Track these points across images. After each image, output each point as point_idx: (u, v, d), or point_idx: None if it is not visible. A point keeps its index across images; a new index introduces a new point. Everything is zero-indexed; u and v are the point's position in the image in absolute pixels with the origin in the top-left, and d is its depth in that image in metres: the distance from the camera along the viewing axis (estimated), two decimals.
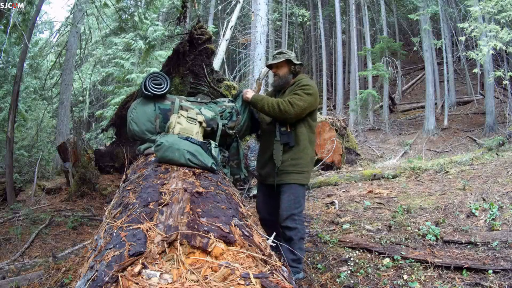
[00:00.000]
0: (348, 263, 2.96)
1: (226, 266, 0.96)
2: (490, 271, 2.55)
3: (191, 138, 2.13)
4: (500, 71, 9.43)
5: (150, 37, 11.35)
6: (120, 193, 1.82)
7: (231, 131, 2.61)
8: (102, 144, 11.50)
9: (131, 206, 1.44)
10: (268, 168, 2.66)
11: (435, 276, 2.62)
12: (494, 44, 8.82)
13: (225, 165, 2.60)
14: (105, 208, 1.71)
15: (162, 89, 2.44)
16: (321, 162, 7.63)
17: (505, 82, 9.65)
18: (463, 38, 10.06)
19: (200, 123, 2.38)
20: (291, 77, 2.69)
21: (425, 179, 5.93)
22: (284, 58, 2.62)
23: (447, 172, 6.08)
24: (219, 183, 1.86)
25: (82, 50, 9.69)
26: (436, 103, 14.14)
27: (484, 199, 4.21)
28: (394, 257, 2.95)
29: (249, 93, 2.66)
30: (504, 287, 2.37)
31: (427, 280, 2.57)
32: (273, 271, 1.03)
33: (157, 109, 2.45)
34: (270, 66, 2.71)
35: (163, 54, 11.79)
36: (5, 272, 2.94)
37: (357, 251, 3.21)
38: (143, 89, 2.42)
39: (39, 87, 13.22)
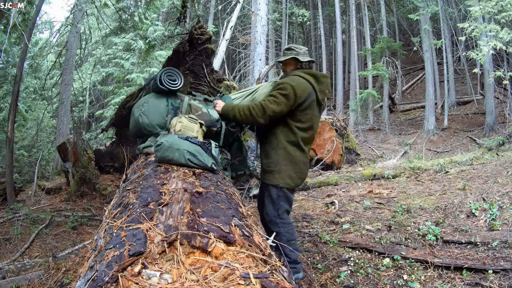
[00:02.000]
0: (348, 263, 2.96)
1: (226, 266, 0.96)
2: (490, 271, 2.55)
3: (191, 138, 2.13)
4: (500, 71, 9.42)
5: (150, 37, 11.35)
6: (120, 193, 1.82)
7: (233, 129, 2.62)
8: (102, 144, 11.51)
9: (131, 206, 1.44)
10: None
11: (435, 276, 2.62)
12: (494, 44, 8.82)
13: (226, 168, 2.60)
14: (105, 208, 1.71)
15: (177, 85, 2.49)
16: (321, 162, 7.63)
17: (505, 82, 9.64)
18: (463, 38, 10.05)
19: (201, 124, 2.38)
20: None
21: (425, 179, 5.93)
22: (291, 56, 2.55)
23: (447, 172, 6.08)
24: (219, 183, 1.86)
25: (82, 50, 9.69)
26: (436, 103, 14.14)
27: (484, 199, 4.21)
28: (394, 257, 2.95)
29: (219, 105, 2.53)
30: (504, 287, 2.37)
31: (427, 280, 2.58)
32: (273, 271, 1.03)
33: (170, 105, 2.47)
34: (281, 62, 2.67)
35: (163, 54, 11.80)
36: (5, 272, 2.94)
37: (357, 251, 3.21)
38: (159, 83, 2.43)
39: (39, 87, 13.22)
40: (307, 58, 2.55)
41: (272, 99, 2.37)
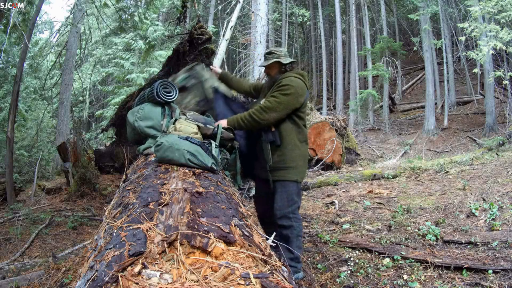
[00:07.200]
0: (348, 263, 2.96)
1: (226, 266, 0.96)
2: (490, 271, 2.55)
3: (191, 138, 2.13)
4: (500, 71, 9.42)
5: (150, 37, 11.35)
6: (120, 193, 1.82)
7: (231, 134, 2.63)
8: (102, 144, 11.50)
9: (131, 206, 1.44)
10: (258, 163, 2.69)
11: (435, 276, 2.62)
12: (494, 44, 8.82)
13: (226, 167, 2.60)
14: (105, 208, 1.71)
15: (172, 97, 2.61)
16: (321, 162, 7.62)
17: (505, 82, 9.64)
18: (463, 38, 10.05)
19: (198, 127, 2.39)
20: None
21: (425, 179, 5.93)
22: (274, 60, 2.62)
23: (447, 172, 6.08)
24: (219, 183, 1.86)
25: (82, 50, 9.70)
26: (436, 103, 14.13)
27: (484, 199, 4.21)
28: (394, 257, 2.95)
29: (223, 123, 2.56)
30: (504, 287, 2.37)
31: (427, 280, 2.57)
32: (273, 271, 1.03)
33: (167, 110, 2.60)
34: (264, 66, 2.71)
35: (163, 54, 11.80)
36: (5, 272, 2.94)
37: (357, 251, 3.21)
38: (155, 95, 2.55)
39: (39, 87, 13.23)
40: (288, 60, 2.64)
41: (273, 99, 2.47)
